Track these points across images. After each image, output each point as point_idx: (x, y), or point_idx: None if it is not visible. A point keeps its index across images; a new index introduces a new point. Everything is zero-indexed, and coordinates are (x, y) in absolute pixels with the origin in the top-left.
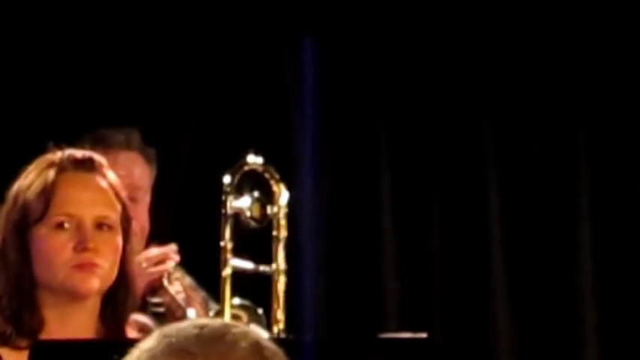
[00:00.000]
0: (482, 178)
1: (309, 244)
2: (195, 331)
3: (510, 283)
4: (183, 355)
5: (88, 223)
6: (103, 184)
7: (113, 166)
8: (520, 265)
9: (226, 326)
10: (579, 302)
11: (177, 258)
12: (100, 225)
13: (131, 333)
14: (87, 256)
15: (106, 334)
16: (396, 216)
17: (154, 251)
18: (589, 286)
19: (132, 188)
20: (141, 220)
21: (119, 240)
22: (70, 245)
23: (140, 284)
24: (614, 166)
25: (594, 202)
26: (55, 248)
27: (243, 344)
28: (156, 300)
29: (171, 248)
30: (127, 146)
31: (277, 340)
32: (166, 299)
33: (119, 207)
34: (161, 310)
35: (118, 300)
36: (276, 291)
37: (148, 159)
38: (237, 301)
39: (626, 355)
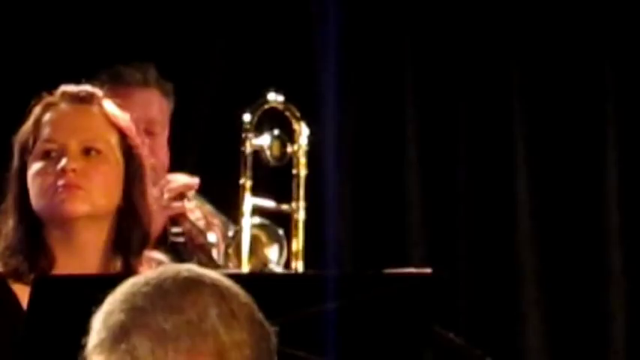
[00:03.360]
0: (508, 110)
1: (333, 182)
2: (163, 301)
3: (535, 220)
4: (158, 333)
5: (74, 148)
6: (95, 111)
7: (130, 103)
8: (546, 203)
9: (191, 287)
10: (605, 241)
11: (196, 183)
12: (88, 150)
13: (145, 270)
14: (67, 178)
15: (117, 269)
16: (421, 151)
17: (176, 181)
18: (615, 226)
19: (149, 123)
20: (160, 155)
21: (113, 166)
22: (54, 170)
23: (161, 218)
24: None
25: (621, 136)
26: (40, 174)
27: (211, 307)
28: (176, 230)
29: (193, 180)
30: (144, 83)
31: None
32: (186, 227)
33: (115, 135)
34: (181, 239)
35: (125, 229)
36: (296, 228)
37: (165, 93)
38: (256, 220)
39: None
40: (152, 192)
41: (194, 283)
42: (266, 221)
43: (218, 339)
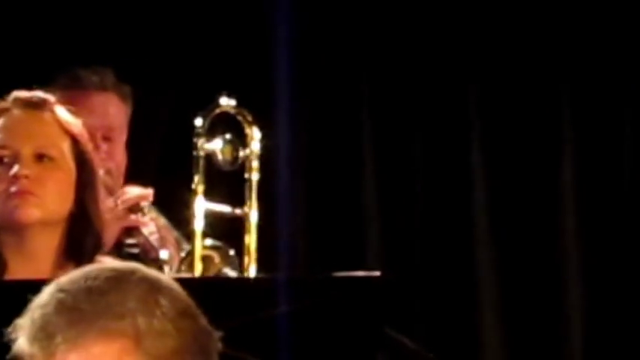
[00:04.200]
0: (465, 118)
1: (286, 186)
2: (87, 283)
3: (492, 218)
4: (74, 313)
5: (26, 154)
6: (47, 118)
7: (88, 106)
8: (503, 200)
9: (120, 276)
10: (562, 243)
11: (151, 198)
12: (41, 156)
13: None
14: (20, 184)
15: None
16: (377, 153)
17: (131, 192)
18: (572, 227)
19: (107, 129)
20: (117, 159)
21: (65, 172)
22: (6, 176)
23: (115, 228)
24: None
25: (577, 146)
26: None
27: (135, 293)
28: (130, 241)
29: (147, 191)
30: (102, 87)
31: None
32: (140, 240)
33: (67, 141)
34: (136, 251)
35: (78, 234)
36: (248, 233)
37: (123, 97)
38: (209, 241)
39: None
40: (107, 202)
41: (124, 273)
42: (218, 243)
43: (135, 322)
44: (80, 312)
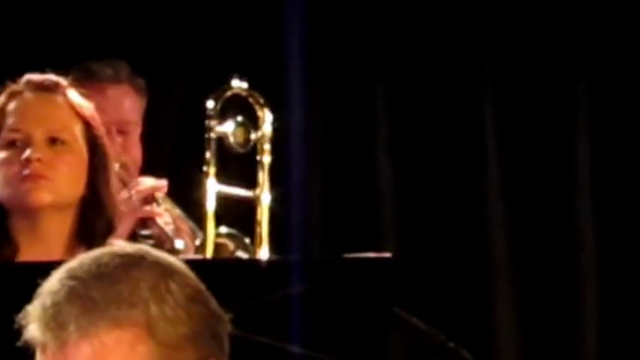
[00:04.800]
0: (479, 107)
1: (300, 168)
2: (99, 270)
3: (507, 204)
4: (87, 302)
5: (39, 137)
6: (59, 101)
7: (102, 100)
8: (517, 188)
9: (131, 262)
10: (576, 223)
11: (165, 189)
12: (53, 140)
13: None
14: (33, 167)
15: None
16: (392, 138)
17: (145, 183)
18: (587, 208)
19: (122, 122)
20: (133, 153)
21: (77, 156)
22: (18, 159)
23: (130, 220)
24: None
25: (592, 134)
26: (5, 163)
27: (146, 280)
28: (145, 232)
29: (161, 182)
30: (116, 79)
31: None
32: (155, 231)
33: (79, 124)
34: (150, 242)
35: (89, 218)
36: (260, 215)
37: (137, 90)
38: (223, 229)
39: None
40: (121, 193)
41: (135, 258)
42: (233, 230)
43: (147, 310)
44: (92, 301)
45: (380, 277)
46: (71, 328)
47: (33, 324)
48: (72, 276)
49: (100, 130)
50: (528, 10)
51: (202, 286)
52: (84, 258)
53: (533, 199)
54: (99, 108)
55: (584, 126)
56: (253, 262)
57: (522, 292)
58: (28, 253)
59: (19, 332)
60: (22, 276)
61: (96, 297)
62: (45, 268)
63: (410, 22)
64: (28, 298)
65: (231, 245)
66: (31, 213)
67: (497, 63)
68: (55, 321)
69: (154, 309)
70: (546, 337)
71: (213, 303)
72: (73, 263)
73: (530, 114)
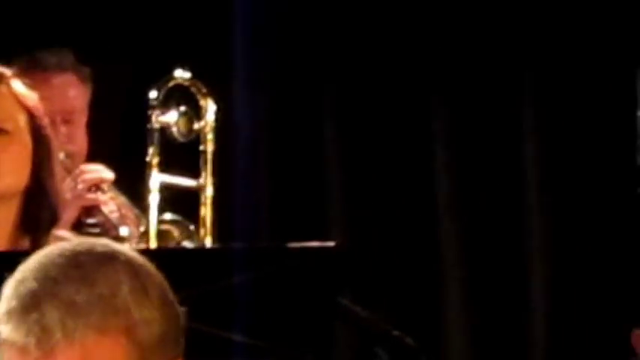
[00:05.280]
0: (426, 102)
1: (244, 158)
2: (78, 273)
3: (455, 189)
4: (70, 308)
5: None
6: (3, 91)
7: (47, 88)
8: (467, 179)
9: (106, 261)
10: (526, 219)
11: (111, 177)
12: None
13: None
14: None
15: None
16: (339, 125)
17: (91, 171)
18: (536, 203)
19: (67, 111)
20: (78, 142)
21: (21, 146)
22: None
23: (74, 207)
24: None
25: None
26: None
27: (125, 283)
28: (90, 220)
29: (107, 173)
30: (60, 68)
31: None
32: (100, 219)
33: (23, 115)
34: (96, 230)
35: (33, 208)
36: (204, 205)
37: (82, 79)
38: (168, 216)
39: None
40: (66, 182)
41: (108, 258)
42: (178, 217)
43: (129, 315)
44: (75, 305)
45: (323, 266)
46: (58, 335)
47: (9, 324)
48: (49, 276)
49: (44, 121)
50: (474, 24)
51: (166, 283)
52: (54, 255)
53: (481, 183)
54: (43, 97)
55: (530, 128)
56: (197, 251)
57: (470, 280)
58: None
59: None
60: None
61: (78, 301)
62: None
63: (357, 14)
64: None
65: (175, 232)
66: None
67: (445, 62)
68: (38, 325)
69: (135, 313)
70: (494, 326)
71: (175, 299)
72: (43, 259)
73: (478, 107)
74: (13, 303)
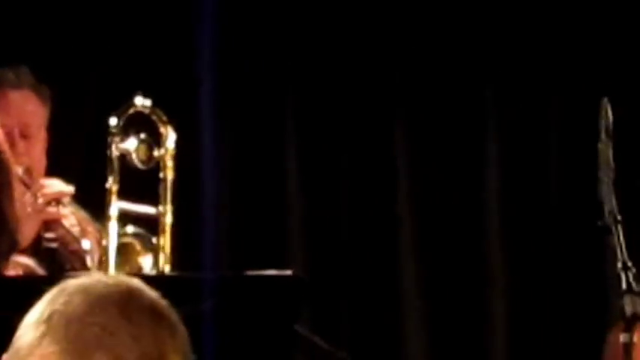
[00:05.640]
0: (389, 129)
1: (205, 185)
2: (129, 329)
3: (417, 221)
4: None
5: None
6: None
7: (4, 104)
8: (427, 211)
9: (150, 311)
10: (487, 245)
11: (71, 191)
12: None
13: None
14: None
15: None
16: (301, 153)
17: (51, 186)
18: (496, 229)
19: (24, 125)
20: (35, 157)
21: None
22: None
23: (35, 222)
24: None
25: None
26: None
27: (164, 341)
28: (49, 235)
29: (67, 188)
30: (17, 85)
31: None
32: (60, 232)
33: None
34: (54, 245)
35: None
36: (163, 232)
37: (40, 96)
38: (130, 229)
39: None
40: (26, 196)
41: (156, 314)
42: (140, 230)
43: None
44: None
45: (281, 295)
46: None
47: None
48: (101, 325)
49: (4, 146)
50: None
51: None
52: (103, 297)
53: (442, 211)
54: (1, 111)
55: (493, 159)
56: (154, 278)
57: (430, 311)
58: None
59: None
60: None
61: (129, 358)
62: None
63: (319, 38)
64: None
65: (137, 245)
66: None
67: (409, 77)
68: None
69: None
70: (455, 357)
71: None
72: (92, 300)
73: (441, 131)
74: (63, 344)
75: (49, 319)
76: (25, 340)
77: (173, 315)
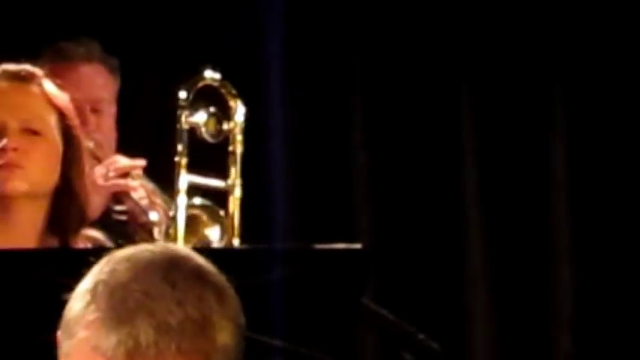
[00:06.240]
0: (457, 102)
1: (273, 159)
2: (174, 294)
3: (483, 203)
4: (162, 326)
5: (13, 127)
6: (34, 90)
7: (74, 78)
8: (494, 187)
9: (200, 281)
10: (552, 220)
11: (143, 164)
12: (27, 129)
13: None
14: (7, 156)
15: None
16: (367, 126)
17: (122, 161)
18: (563, 207)
19: (94, 100)
20: (106, 131)
21: (52, 146)
22: None
23: (104, 194)
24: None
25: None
26: None
27: (215, 310)
28: (118, 208)
29: (139, 161)
30: (88, 58)
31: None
32: (129, 205)
33: (54, 115)
34: (123, 217)
35: (62, 209)
36: (232, 206)
37: (110, 69)
38: (197, 200)
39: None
40: (97, 169)
41: (199, 278)
42: (207, 202)
43: (214, 342)
44: (168, 327)
45: (349, 268)
46: (150, 352)
47: (98, 331)
48: (143, 291)
49: (75, 121)
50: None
51: (239, 304)
52: (146, 264)
53: (509, 197)
54: (71, 86)
55: (559, 131)
56: (224, 251)
57: (496, 284)
58: (1, 241)
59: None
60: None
61: (171, 322)
62: (17, 257)
63: (388, 14)
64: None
65: (204, 216)
66: (5, 201)
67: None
68: (132, 339)
69: (218, 340)
70: (519, 329)
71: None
72: (136, 267)
73: (508, 115)
74: (107, 310)
75: (94, 289)
76: (72, 312)
77: (222, 281)
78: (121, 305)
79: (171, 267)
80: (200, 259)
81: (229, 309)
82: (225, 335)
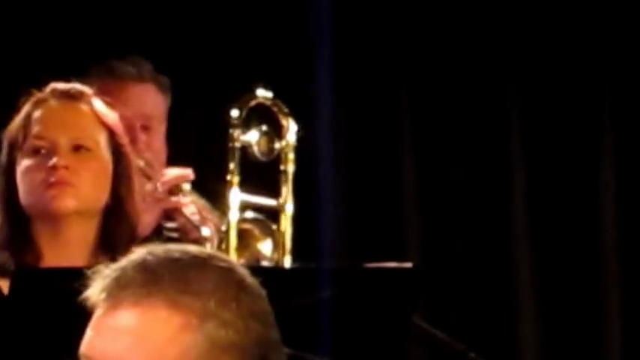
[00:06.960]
0: (505, 114)
1: (324, 177)
2: (176, 255)
3: (531, 216)
4: (153, 275)
5: (64, 145)
6: (84, 109)
7: (125, 97)
8: (542, 199)
9: (209, 259)
10: (601, 233)
11: (191, 177)
12: (78, 147)
13: None
14: (59, 174)
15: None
16: (416, 143)
17: (171, 173)
18: (611, 216)
19: (145, 118)
20: (156, 149)
21: (102, 163)
22: (44, 167)
23: (156, 211)
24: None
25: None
26: (30, 170)
27: (216, 280)
28: (170, 225)
29: (186, 171)
30: (139, 78)
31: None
32: (181, 221)
33: (104, 133)
34: (175, 234)
35: (112, 226)
36: (284, 224)
37: (161, 88)
38: (250, 214)
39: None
40: (147, 186)
41: (212, 258)
42: (259, 216)
43: (207, 304)
44: (158, 276)
45: (400, 287)
46: (129, 291)
47: (94, 288)
48: (147, 268)
49: (124, 139)
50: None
51: (271, 311)
52: (157, 251)
53: (557, 211)
54: (122, 103)
55: (608, 145)
56: (272, 270)
57: (545, 304)
58: (51, 259)
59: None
60: (46, 281)
61: (163, 274)
62: (68, 275)
63: (434, 35)
64: (51, 303)
65: (256, 231)
66: (56, 220)
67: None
68: (116, 282)
69: (214, 306)
70: (569, 343)
71: (276, 331)
72: (155, 247)
73: (556, 122)
74: (109, 270)
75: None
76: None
77: (243, 275)
78: (122, 279)
79: (182, 255)
80: (231, 260)
81: (240, 294)
82: (224, 312)
